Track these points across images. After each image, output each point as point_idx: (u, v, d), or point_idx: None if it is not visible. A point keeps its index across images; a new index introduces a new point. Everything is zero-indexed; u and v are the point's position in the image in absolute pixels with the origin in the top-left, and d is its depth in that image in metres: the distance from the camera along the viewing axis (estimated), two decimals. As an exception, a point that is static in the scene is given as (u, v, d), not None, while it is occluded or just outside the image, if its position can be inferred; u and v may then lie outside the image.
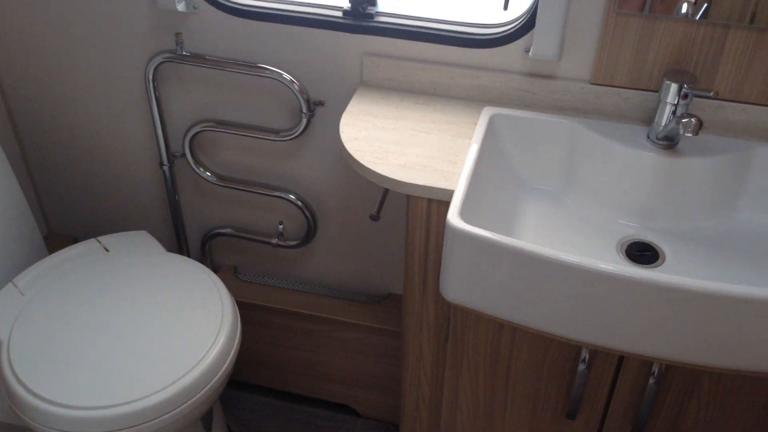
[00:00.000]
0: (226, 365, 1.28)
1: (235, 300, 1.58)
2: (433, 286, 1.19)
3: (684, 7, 1.08)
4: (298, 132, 1.39)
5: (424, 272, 1.18)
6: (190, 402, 1.22)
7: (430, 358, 1.30)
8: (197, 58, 1.37)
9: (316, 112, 1.39)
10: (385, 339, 1.60)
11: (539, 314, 1.00)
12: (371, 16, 1.24)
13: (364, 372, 1.68)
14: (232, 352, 1.30)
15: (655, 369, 1.13)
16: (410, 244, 1.16)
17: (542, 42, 1.13)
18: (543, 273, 0.94)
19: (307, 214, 1.54)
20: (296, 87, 1.33)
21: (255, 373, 1.79)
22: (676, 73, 1.08)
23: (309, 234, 1.56)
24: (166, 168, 1.55)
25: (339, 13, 1.27)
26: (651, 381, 1.14)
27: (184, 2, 1.31)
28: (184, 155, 1.51)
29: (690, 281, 0.89)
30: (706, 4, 1.07)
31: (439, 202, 1.09)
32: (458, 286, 1.03)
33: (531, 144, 1.19)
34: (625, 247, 1.13)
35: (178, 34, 1.35)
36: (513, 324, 1.04)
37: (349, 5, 1.25)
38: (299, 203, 1.52)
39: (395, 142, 1.17)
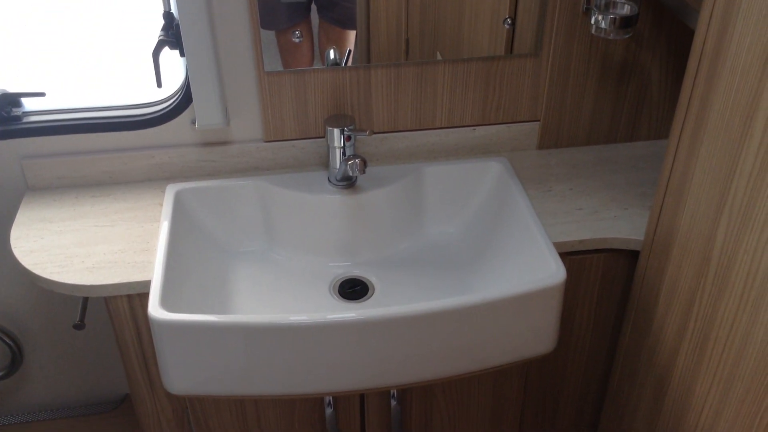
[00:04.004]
0: None
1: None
2: (159, 381, 1.13)
3: (331, 54, 1.16)
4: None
5: (146, 370, 1.11)
6: None
7: (179, 453, 1.23)
8: None
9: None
10: (133, 444, 1.49)
11: (270, 380, 0.99)
12: (18, 118, 1.15)
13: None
14: None
15: (394, 392, 1.19)
16: (123, 345, 1.09)
17: (205, 112, 1.14)
18: (255, 340, 0.94)
19: (8, 340, 1.37)
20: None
21: None
22: (336, 118, 1.15)
23: (15, 361, 1.40)
24: None
25: (-18, 121, 1.16)
26: (393, 403, 1.20)
27: None
28: None
29: (382, 310, 0.95)
30: (348, 50, 1.16)
31: (141, 295, 1.04)
32: (182, 376, 0.98)
33: (224, 211, 1.19)
34: (337, 288, 1.17)
35: None
36: (249, 397, 1.02)
37: (-9, 110, 1.15)
38: (-6, 331, 1.36)
39: (78, 244, 1.09)
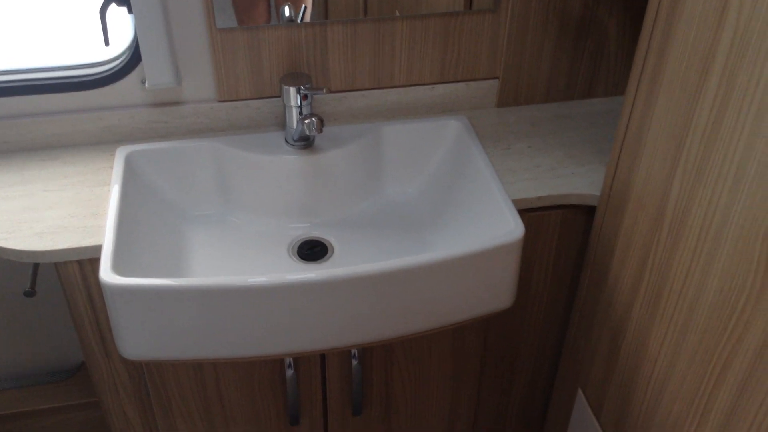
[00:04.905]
0: None
1: None
2: (114, 347, 1.11)
3: (286, 11, 1.13)
4: None
5: (100, 336, 1.09)
6: None
7: (138, 420, 1.22)
8: None
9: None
10: (91, 411, 1.47)
11: (228, 342, 0.98)
12: (-43, 79, 1.10)
13: (79, 454, 1.53)
14: None
15: (354, 351, 1.19)
16: (75, 312, 1.06)
17: (155, 71, 1.10)
18: (211, 302, 0.92)
19: (-45, 309, 1.34)
20: None
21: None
22: (292, 77, 1.12)
23: (-35, 330, 1.36)
24: None
25: None
26: (354, 363, 1.20)
27: None
28: None
29: (341, 270, 0.94)
30: (303, 7, 1.13)
31: (92, 260, 1.01)
32: (137, 341, 0.96)
33: (178, 174, 1.16)
34: (296, 249, 1.16)
35: None
36: (208, 360, 1.01)
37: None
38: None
39: (27, 209, 1.05)
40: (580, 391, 1.19)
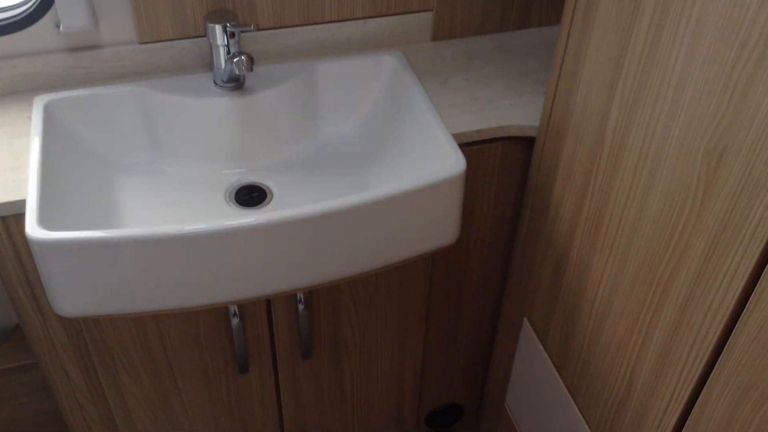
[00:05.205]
0: None
1: None
2: (49, 305, 1.07)
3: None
4: None
5: (33, 294, 1.04)
6: None
7: (81, 379, 1.18)
8: None
9: None
10: (31, 374, 1.42)
11: (168, 294, 0.95)
12: None
13: (20, 419, 1.49)
14: None
15: (300, 296, 1.17)
16: (4, 271, 1.01)
17: (69, 13, 1.03)
18: (147, 253, 0.89)
19: None
20: None
21: None
22: (217, 14, 1.07)
23: None
24: None
25: None
26: (301, 308, 1.19)
27: None
28: None
29: (281, 213, 0.92)
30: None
31: (16, 216, 0.96)
32: (71, 298, 0.92)
33: (102, 121, 1.10)
34: (233, 195, 1.12)
35: None
36: (148, 313, 0.98)
37: None
38: None
39: (-61, 166, 0.99)
40: (525, 321, 1.21)
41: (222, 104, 1.11)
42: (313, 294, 1.19)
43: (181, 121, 1.12)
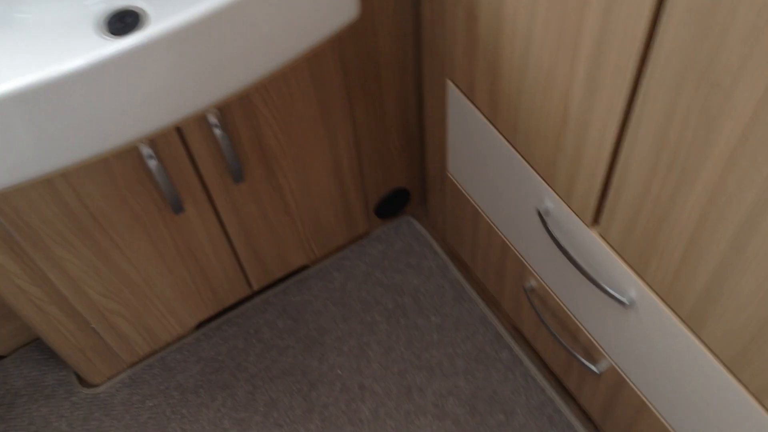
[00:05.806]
0: None
1: None
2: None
3: None
4: None
5: None
6: None
7: (12, 263, 1.11)
8: None
9: None
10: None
11: (69, 144, 0.87)
12: None
13: None
14: None
15: (214, 120, 1.10)
16: None
17: None
18: (29, 106, 0.80)
19: None
20: None
21: None
22: None
23: None
24: None
25: None
26: (218, 132, 1.12)
27: None
28: None
29: (163, 26, 0.84)
30: None
31: None
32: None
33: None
34: (106, 26, 1.00)
35: None
36: (51, 174, 0.90)
37: None
38: None
39: None
40: (449, 82, 1.16)
41: None
42: (225, 113, 1.11)
43: (15, -45, 0.96)
